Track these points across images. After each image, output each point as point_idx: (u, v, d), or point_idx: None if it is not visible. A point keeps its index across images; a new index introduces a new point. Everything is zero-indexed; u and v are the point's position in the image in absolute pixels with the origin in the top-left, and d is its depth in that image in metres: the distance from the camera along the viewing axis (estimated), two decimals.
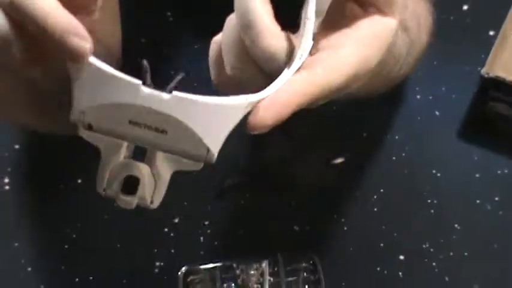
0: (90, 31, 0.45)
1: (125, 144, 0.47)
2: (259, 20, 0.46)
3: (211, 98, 0.45)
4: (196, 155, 0.47)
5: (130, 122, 0.46)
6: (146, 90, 0.45)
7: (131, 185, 0.48)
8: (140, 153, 0.48)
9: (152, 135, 0.46)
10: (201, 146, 0.46)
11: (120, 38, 0.57)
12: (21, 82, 0.49)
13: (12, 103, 0.51)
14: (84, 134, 0.46)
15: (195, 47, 0.85)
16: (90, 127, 0.46)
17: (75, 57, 0.44)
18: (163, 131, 0.46)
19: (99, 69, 0.45)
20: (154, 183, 0.49)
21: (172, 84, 0.45)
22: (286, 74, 0.47)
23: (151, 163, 0.48)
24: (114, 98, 0.45)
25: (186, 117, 0.45)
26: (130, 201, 0.49)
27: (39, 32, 0.44)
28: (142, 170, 0.48)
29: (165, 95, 0.45)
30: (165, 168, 0.48)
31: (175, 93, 0.45)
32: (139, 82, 0.45)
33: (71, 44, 0.44)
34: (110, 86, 0.45)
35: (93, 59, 0.45)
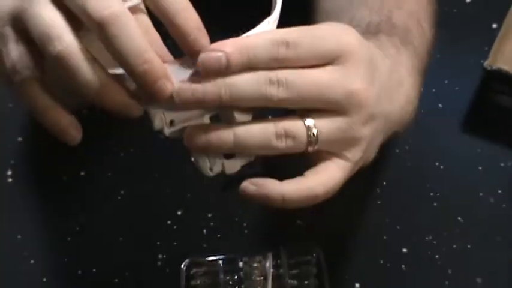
0: None
1: (207, 118, 0.53)
2: None
3: None
4: None
5: None
6: None
7: None
8: None
9: None
10: None
11: None
12: None
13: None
14: (168, 132, 0.52)
15: None
16: (172, 123, 0.52)
17: (160, 95, 0.49)
18: None
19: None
20: None
21: None
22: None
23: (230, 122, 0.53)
24: None
25: None
26: (235, 163, 0.54)
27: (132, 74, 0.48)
28: None
29: None
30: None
31: None
32: None
33: (161, 87, 0.49)
34: None
35: None
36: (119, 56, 0.47)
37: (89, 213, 0.82)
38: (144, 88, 0.49)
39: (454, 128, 0.86)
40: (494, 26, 0.92)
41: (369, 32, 0.65)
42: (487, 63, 0.83)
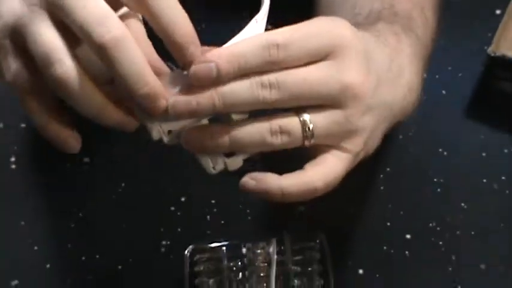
0: None
1: (205, 121, 0.54)
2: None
3: None
4: None
5: None
6: None
7: None
8: None
9: None
10: None
11: None
12: None
13: None
14: (166, 140, 0.53)
15: None
16: (170, 132, 0.53)
17: (155, 112, 0.50)
18: None
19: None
20: None
21: None
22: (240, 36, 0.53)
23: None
24: None
25: None
26: (237, 160, 0.55)
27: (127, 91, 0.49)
28: None
29: None
30: None
31: None
32: None
33: (157, 105, 0.50)
34: None
35: None
36: (120, 79, 0.48)
37: (92, 200, 0.82)
38: (141, 107, 0.50)
39: (458, 114, 0.86)
40: (498, 12, 0.92)
41: (369, 21, 0.65)
42: (490, 50, 0.83)
